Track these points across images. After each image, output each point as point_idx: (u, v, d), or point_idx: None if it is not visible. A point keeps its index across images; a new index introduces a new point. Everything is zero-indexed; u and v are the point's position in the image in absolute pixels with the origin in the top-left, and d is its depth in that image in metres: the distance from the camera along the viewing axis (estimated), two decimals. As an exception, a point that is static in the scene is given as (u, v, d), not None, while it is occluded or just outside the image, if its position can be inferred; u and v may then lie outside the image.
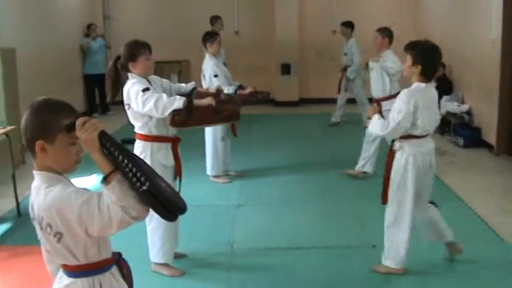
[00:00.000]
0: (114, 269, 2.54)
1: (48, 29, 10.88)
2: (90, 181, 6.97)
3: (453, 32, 10.48)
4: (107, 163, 2.27)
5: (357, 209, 6.61)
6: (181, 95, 4.87)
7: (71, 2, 12.43)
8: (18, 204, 6.56)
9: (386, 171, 4.96)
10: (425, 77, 4.69)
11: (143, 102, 4.56)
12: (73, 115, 2.38)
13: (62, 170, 2.42)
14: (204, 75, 7.61)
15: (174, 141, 4.91)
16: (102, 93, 13.18)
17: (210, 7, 12.86)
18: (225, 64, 8.68)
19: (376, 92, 7.47)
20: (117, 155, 2.27)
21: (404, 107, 4.61)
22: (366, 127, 10.20)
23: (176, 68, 14.03)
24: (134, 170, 2.24)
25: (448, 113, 9.98)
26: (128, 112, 4.75)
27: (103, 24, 13.95)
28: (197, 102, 4.85)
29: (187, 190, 6.75)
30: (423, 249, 5.25)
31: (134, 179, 2.23)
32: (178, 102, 4.62)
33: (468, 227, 6.08)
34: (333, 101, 11.84)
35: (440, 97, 10.14)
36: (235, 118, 5.50)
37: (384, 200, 5.00)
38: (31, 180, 2.42)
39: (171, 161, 4.87)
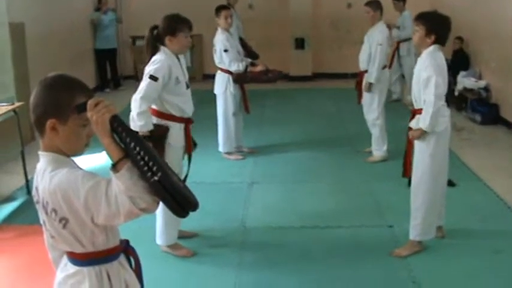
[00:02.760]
0: (122, 258, 2.41)
1: (57, 3, 10.71)
2: (99, 159, 6.87)
3: (471, 6, 10.23)
4: (117, 149, 2.13)
5: (372, 187, 6.49)
6: None
7: (81, -25, 12.26)
8: (27, 181, 6.49)
9: (407, 146, 4.89)
10: (437, 44, 4.69)
11: (143, 94, 4.47)
12: (87, 94, 2.23)
13: (71, 152, 2.28)
14: (215, 49, 7.47)
15: (188, 122, 4.79)
16: (113, 68, 13.06)
17: (223, -20, 12.65)
18: (241, 38, 8.54)
19: (362, 64, 7.45)
20: (128, 141, 2.12)
21: (437, 72, 4.55)
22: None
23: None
24: (146, 158, 2.09)
25: (465, 89, 9.78)
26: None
27: (114, -3, 13.76)
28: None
29: (199, 167, 6.68)
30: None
31: (146, 168, 2.08)
32: (138, 127, 4.45)
33: (486, 206, 6.00)
34: (347, 76, 11.65)
35: (457, 72, 10.05)
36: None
37: (406, 172, 4.98)
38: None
39: (181, 142, 4.76)
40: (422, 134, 4.66)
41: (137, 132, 2.16)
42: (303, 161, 7.54)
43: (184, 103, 4.72)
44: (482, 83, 9.71)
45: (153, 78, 4.49)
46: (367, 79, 7.31)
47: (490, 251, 4.95)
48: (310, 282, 4.53)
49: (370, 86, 7.28)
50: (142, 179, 2.09)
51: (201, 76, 13.99)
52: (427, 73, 4.57)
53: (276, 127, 9.21)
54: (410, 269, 4.65)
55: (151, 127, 4.53)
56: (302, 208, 5.95)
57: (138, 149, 2.10)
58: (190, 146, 4.84)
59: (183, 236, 5.12)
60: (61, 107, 2.18)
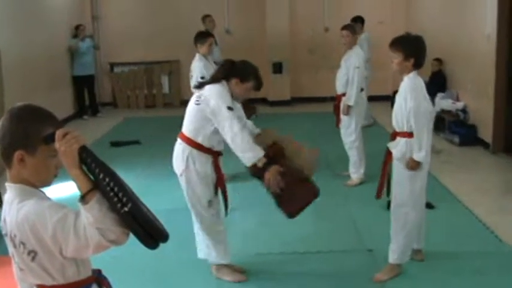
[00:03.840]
0: None
1: (35, 30, 10.68)
2: (67, 189, 6.78)
3: (446, 29, 10.32)
4: (85, 181, 2.08)
5: (350, 211, 6.47)
6: None
7: (58, 2, 12.21)
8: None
9: (383, 167, 4.88)
10: (417, 67, 4.68)
11: (231, 123, 4.35)
12: (55, 125, 2.18)
13: (39, 183, 2.22)
14: (192, 75, 7.46)
15: (216, 155, 4.68)
16: (91, 95, 13.01)
17: (200, 6, 12.69)
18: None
19: (340, 88, 7.50)
20: (97, 172, 2.07)
21: (423, 100, 4.58)
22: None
23: (166, 68, 13.88)
24: (116, 189, 2.04)
25: (443, 111, 9.82)
26: (193, 106, 4.58)
27: (91, 24, 13.74)
28: (268, 173, 4.34)
29: (177, 193, 6.59)
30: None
31: (115, 199, 2.03)
32: (249, 160, 4.35)
33: (466, 227, 5.99)
34: (325, 99, 11.67)
35: (434, 94, 10.09)
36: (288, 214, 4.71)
37: (378, 194, 4.96)
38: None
39: (207, 171, 4.61)
40: (418, 165, 4.63)
41: (107, 165, 2.09)
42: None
43: (217, 137, 4.58)
44: (460, 105, 9.77)
45: (230, 109, 4.40)
46: (345, 102, 7.32)
47: (471, 272, 4.93)
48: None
49: (348, 109, 7.29)
50: (112, 210, 2.04)
51: (178, 102, 13.96)
52: (413, 102, 4.55)
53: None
54: (390, 292, 4.61)
55: (261, 155, 4.35)
56: (281, 234, 5.87)
57: (107, 179, 2.06)
58: (221, 180, 4.72)
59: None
60: (29, 138, 2.13)
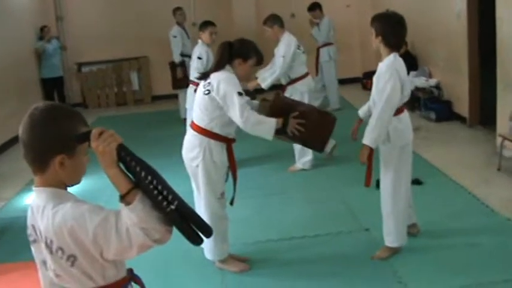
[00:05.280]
0: (130, 287, 2.33)
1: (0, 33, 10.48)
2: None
3: (414, 8, 10.38)
4: (125, 180, 2.03)
5: (341, 193, 6.51)
6: None
7: (21, 4, 11.98)
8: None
9: (369, 154, 4.77)
10: (390, 47, 4.61)
11: (242, 110, 4.38)
12: (85, 122, 2.14)
13: (74, 183, 2.18)
14: (193, 59, 7.89)
15: (230, 142, 4.69)
16: (61, 96, 12.81)
17: (166, 0, 12.60)
18: (190, 57, 8.61)
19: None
20: (139, 170, 2.02)
21: (394, 81, 4.49)
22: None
23: (135, 65, 13.75)
24: (160, 187, 2.00)
25: (417, 89, 9.92)
26: (203, 96, 4.55)
27: (56, 25, 13.51)
28: (288, 126, 4.52)
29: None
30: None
31: (160, 198, 1.99)
32: (269, 134, 4.46)
33: (456, 201, 6.06)
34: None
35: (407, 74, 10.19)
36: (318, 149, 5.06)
37: (367, 182, 4.84)
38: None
39: (224, 161, 4.65)
40: (368, 150, 4.60)
41: (147, 162, 2.06)
42: (270, 174, 7.51)
43: (232, 124, 4.59)
44: (433, 81, 9.89)
45: (240, 94, 4.42)
46: (260, 86, 7.42)
47: (467, 244, 5.00)
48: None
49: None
50: (155, 208, 2.00)
51: (149, 98, 13.88)
52: (382, 84, 4.54)
53: (238, 143, 9.13)
54: (394, 270, 4.66)
55: (274, 123, 4.44)
56: (277, 220, 5.91)
57: (150, 177, 2.01)
58: (234, 166, 4.74)
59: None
60: (67, 140, 2.07)
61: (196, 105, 4.65)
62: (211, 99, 4.49)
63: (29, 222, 2.17)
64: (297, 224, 5.77)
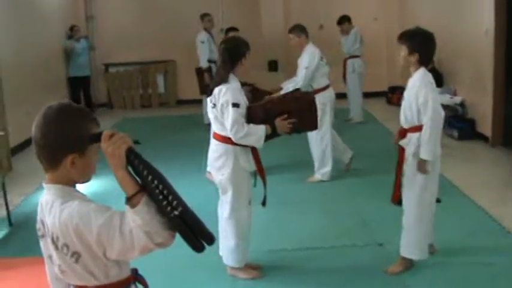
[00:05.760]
0: (133, 287, 2.36)
1: (30, 32, 10.61)
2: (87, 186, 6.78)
3: (442, 24, 10.33)
4: (132, 183, 2.06)
5: (358, 206, 6.50)
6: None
7: (52, 3, 12.16)
8: (9, 213, 6.34)
9: (398, 168, 4.85)
10: (423, 64, 4.67)
11: (232, 123, 4.46)
12: (97, 123, 2.19)
13: (84, 180, 2.22)
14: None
15: (255, 147, 4.73)
16: (87, 96, 12.97)
17: (195, 5, 12.67)
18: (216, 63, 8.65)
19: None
20: (146, 174, 2.05)
21: (433, 92, 4.57)
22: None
23: (161, 68, 13.87)
24: (165, 192, 2.03)
25: (441, 106, 9.84)
26: (212, 110, 4.64)
27: (86, 25, 13.70)
28: (278, 128, 4.63)
29: (184, 191, 6.60)
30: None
31: (165, 203, 2.02)
32: (259, 144, 4.57)
33: (472, 220, 6.03)
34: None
35: (432, 90, 10.15)
36: (313, 129, 5.24)
37: (395, 196, 4.87)
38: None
39: (252, 166, 4.73)
40: (427, 164, 4.64)
41: (155, 167, 2.09)
42: (287, 184, 7.52)
43: None
44: (457, 99, 9.83)
45: (235, 105, 4.47)
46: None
47: (482, 264, 4.96)
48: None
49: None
50: (160, 213, 2.03)
51: (174, 102, 13.98)
52: (422, 98, 4.56)
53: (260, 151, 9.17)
54: (406, 285, 4.65)
55: (264, 130, 4.53)
56: (291, 230, 5.93)
57: (156, 182, 2.04)
58: (261, 169, 4.81)
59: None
60: (80, 140, 2.12)
61: (211, 117, 4.71)
62: (218, 111, 4.57)
63: (39, 217, 2.22)
64: (312, 234, 5.78)
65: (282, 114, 4.62)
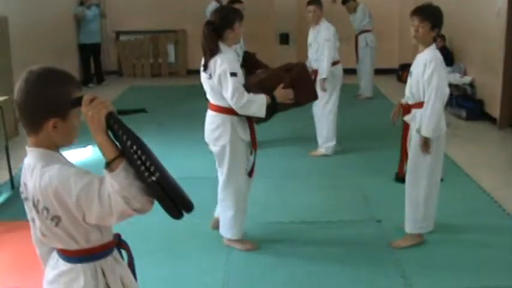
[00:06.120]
0: (115, 252, 2.36)
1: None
2: (85, 153, 6.81)
3: (455, 2, 10.25)
4: (111, 147, 2.06)
5: (359, 183, 6.48)
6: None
7: (63, -31, 12.13)
8: (11, 177, 6.39)
9: (402, 143, 4.88)
10: (434, 40, 4.68)
11: (233, 92, 4.43)
12: (79, 87, 2.18)
13: (67, 144, 2.22)
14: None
15: (251, 117, 4.72)
16: (97, 63, 12.99)
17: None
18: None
19: (314, 63, 7.52)
20: (125, 139, 2.05)
21: (440, 71, 4.54)
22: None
23: (172, 38, 13.82)
24: (143, 158, 2.03)
25: (450, 85, 9.74)
26: (207, 81, 4.61)
27: (97, -8, 13.65)
28: (277, 97, 4.62)
29: (185, 162, 6.64)
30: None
31: (143, 168, 2.02)
32: (261, 113, 4.53)
33: (473, 201, 6.02)
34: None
35: (442, 69, 10.08)
36: (313, 99, 5.27)
37: (400, 171, 4.97)
38: (24, 151, 2.22)
39: (248, 136, 4.73)
40: (429, 141, 4.62)
41: (135, 132, 2.08)
42: (290, 157, 7.52)
43: None
44: (467, 79, 9.76)
45: (233, 74, 4.45)
46: (319, 76, 7.34)
47: (478, 245, 4.96)
48: (299, 278, 4.50)
49: (324, 83, 7.33)
50: (138, 178, 2.03)
51: (184, 71, 13.94)
52: (428, 75, 4.52)
53: (263, 123, 9.15)
54: (399, 264, 4.64)
55: (264, 99, 4.52)
56: (290, 204, 5.94)
57: (135, 147, 2.04)
58: (255, 140, 4.82)
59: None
60: (61, 104, 2.11)
61: (207, 88, 4.68)
62: (215, 82, 4.54)
63: (22, 180, 2.22)
64: (310, 208, 5.78)
65: (277, 86, 4.63)
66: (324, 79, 7.28)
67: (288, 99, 4.64)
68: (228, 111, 4.59)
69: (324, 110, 7.44)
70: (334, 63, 7.43)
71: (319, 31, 7.44)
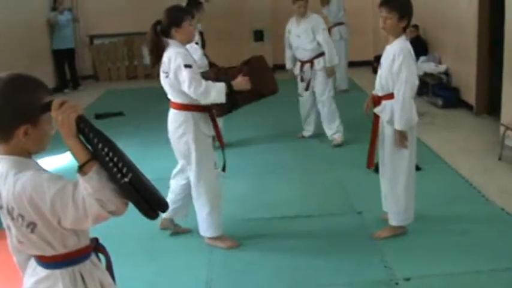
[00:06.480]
0: (93, 256, 2.35)
1: (13, 4, 10.52)
2: (61, 160, 6.76)
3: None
4: (83, 151, 2.05)
5: (338, 175, 6.51)
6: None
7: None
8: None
9: (372, 135, 4.88)
10: (404, 31, 4.65)
11: (190, 82, 4.41)
12: (49, 92, 2.16)
13: (39, 151, 2.20)
14: None
15: (211, 110, 4.73)
16: (72, 68, 12.89)
17: (180, -25, 12.53)
18: (201, 33, 8.54)
19: (309, 54, 7.63)
20: (96, 142, 2.04)
21: (409, 62, 4.53)
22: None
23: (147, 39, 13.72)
24: (115, 159, 2.02)
25: (426, 74, 9.85)
26: (165, 80, 4.59)
27: (69, -4, 13.55)
28: (235, 85, 4.61)
29: (162, 163, 6.60)
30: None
31: (115, 170, 2.01)
32: (221, 97, 4.50)
33: (453, 188, 6.05)
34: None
35: (416, 58, 10.11)
36: (274, 91, 5.12)
37: (370, 163, 4.92)
38: None
39: (211, 131, 4.73)
40: (404, 134, 4.63)
41: (105, 134, 2.07)
42: (268, 153, 7.53)
43: None
44: (442, 68, 9.82)
45: (188, 66, 4.44)
46: (331, 63, 7.50)
47: (458, 232, 4.99)
48: (283, 272, 4.50)
49: (333, 69, 7.57)
50: (111, 181, 2.02)
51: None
52: (397, 67, 4.53)
53: (239, 121, 9.12)
54: (381, 254, 4.66)
55: (224, 86, 4.51)
56: (271, 199, 5.94)
57: (106, 149, 2.03)
58: (220, 136, 4.86)
59: (173, 228, 5.12)
60: (31, 110, 2.09)
61: (166, 87, 4.68)
62: (171, 80, 4.54)
63: None
64: (291, 203, 5.79)
65: (234, 77, 4.65)
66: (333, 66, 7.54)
67: (246, 87, 4.63)
68: (189, 107, 4.61)
69: (328, 97, 7.66)
70: (320, 55, 7.59)
71: (310, 22, 7.51)
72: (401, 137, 4.63)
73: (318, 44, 7.51)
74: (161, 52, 4.55)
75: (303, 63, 7.70)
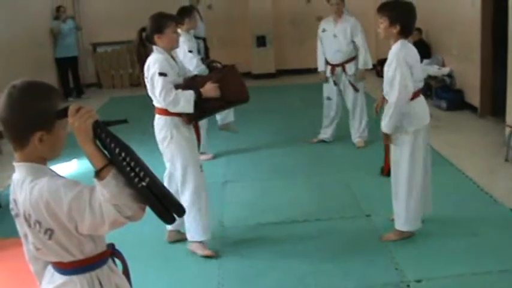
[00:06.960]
0: (110, 262, 2.35)
1: (16, 13, 10.55)
2: (70, 167, 6.77)
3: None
4: (100, 156, 2.05)
5: (346, 179, 6.51)
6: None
7: (37, -17, 12.05)
8: (-4, 194, 6.34)
9: (385, 142, 4.90)
10: (403, 35, 4.65)
11: (161, 90, 4.47)
12: (62, 99, 2.17)
13: (54, 157, 2.21)
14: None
15: (193, 117, 4.74)
16: (75, 76, 12.91)
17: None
18: (205, 40, 8.54)
19: (341, 57, 7.60)
20: (113, 147, 2.05)
21: (402, 68, 4.53)
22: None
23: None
24: (132, 164, 2.03)
25: (429, 77, 9.85)
26: (148, 85, 4.63)
27: (72, 5, 13.56)
28: (204, 92, 4.64)
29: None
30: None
31: (132, 174, 2.02)
32: (189, 107, 4.54)
33: (460, 190, 6.06)
34: (310, 71, 11.68)
35: (420, 62, 10.13)
36: (244, 99, 5.06)
37: (386, 166, 4.99)
38: (9, 169, 2.19)
39: (193, 133, 4.79)
40: (388, 136, 4.71)
41: (122, 139, 2.08)
42: (275, 158, 7.54)
43: None
44: (445, 70, 9.82)
45: (162, 74, 4.49)
46: (365, 66, 7.53)
47: (467, 234, 4.99)
48: (292, 277, 4.50)
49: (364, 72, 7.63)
50: (128, 185, 2.03)
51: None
52: (391, 72, 4.58)
53: (245, 126, 9.14)
54: (392, 256, 4.67)
55: (192, 94, 4.54)
56: (279, 204, 5.94)
57: (123, 154, 2.04)
58: (199, 137, 4.93)
59: (181, 238, 5.08)
60: (46, 117, 2.10)
61: (149, 92, 4.71)
62: (149, 84, 4.61)
63: (11, 196, 2.21)
64: (300, 208, 5.79)
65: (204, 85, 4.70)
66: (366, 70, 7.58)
67: (215, 94, 4.65)
68: (169, 112, 4.65)
69: (361, 100, 7.70)
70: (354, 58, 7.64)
71: (349, 22, 7.51)
72: (386, 137, 4.73)
73: (353, 47, 7.50)
74: (145, 58, 4.62)
75: (333, 66, 7.63)
